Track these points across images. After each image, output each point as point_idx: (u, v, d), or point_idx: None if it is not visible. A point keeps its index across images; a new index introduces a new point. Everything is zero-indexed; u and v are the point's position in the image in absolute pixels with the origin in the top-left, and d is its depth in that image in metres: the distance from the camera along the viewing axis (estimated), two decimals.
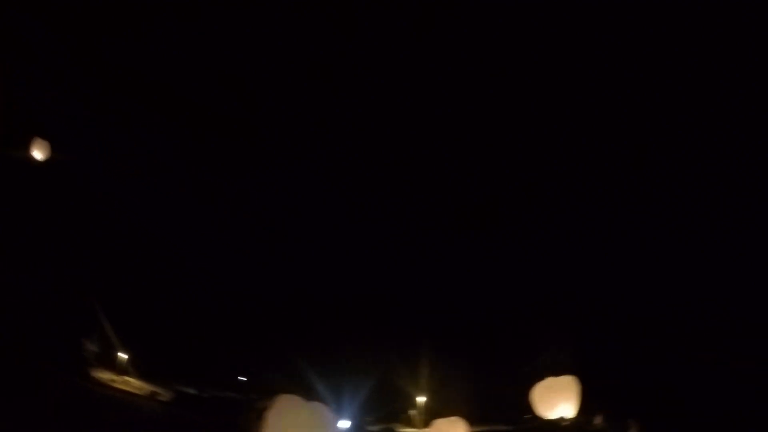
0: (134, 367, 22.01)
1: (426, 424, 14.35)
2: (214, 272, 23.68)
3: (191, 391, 22.44)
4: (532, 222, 24.62)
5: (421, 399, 21.07)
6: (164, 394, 22.33)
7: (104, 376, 21.22)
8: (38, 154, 17.57)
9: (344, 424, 13.75)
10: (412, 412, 21.56)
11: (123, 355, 21.73)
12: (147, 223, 23.56)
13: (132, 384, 22.19)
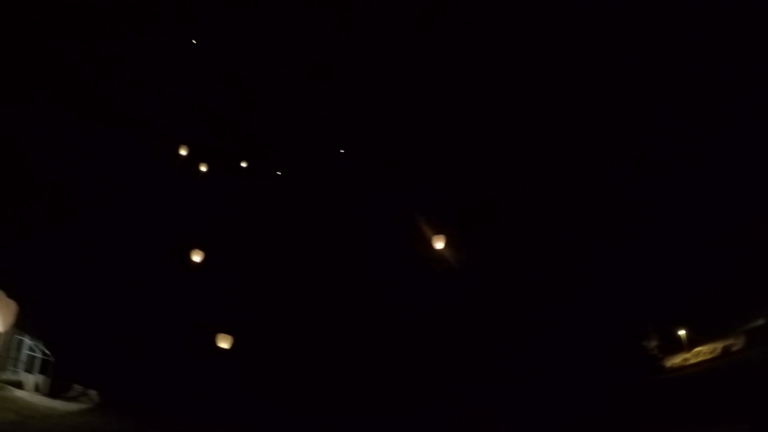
0: (700, 335, 20.86)
1: None
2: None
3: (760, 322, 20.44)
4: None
5: None
6: (737, 342, 20.58)
7: (677, 360, 20.97)
8: None
9: None
10: None
11: (682, 332, 20.86)
12: None
13: (704, 351, 21.04)
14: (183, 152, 30.05)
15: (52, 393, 24.20)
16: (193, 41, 29.21)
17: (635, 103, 30.25)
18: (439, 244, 20.78)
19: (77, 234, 23.22)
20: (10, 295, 6.99)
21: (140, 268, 26.92)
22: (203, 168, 31.21)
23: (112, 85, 28.46)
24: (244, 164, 35.25)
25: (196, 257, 26.82)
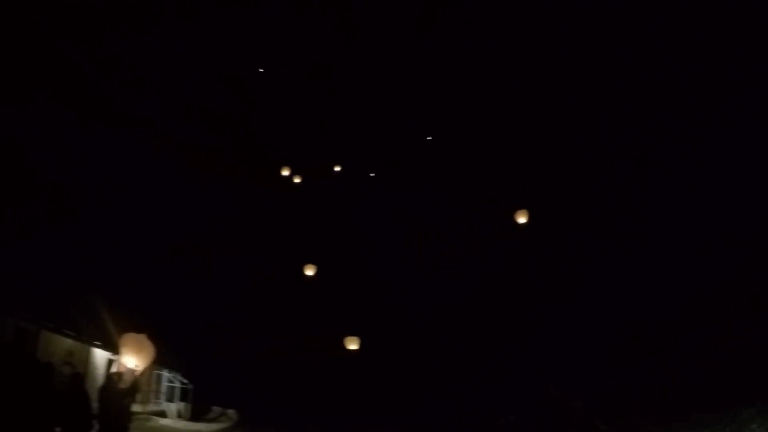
0: None
1: None
2: None
3: None
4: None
5: None
6: None
7: None
8: None
9: None
10: None
11: None
12: None
13: None
14: (285, 173, 30.49)
15: (194, 417, 26.30)
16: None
17: (635, 103, 30.29)
18: (521, 218, 20.80)
19: (77, 234, 23.29)
20: (150, 337, 7.41)
21: (142, 269, 27.00)
22: (297, 180, 31.43)
23: (112, 85, 28.49)
24: (337, 168, 35.50)
25: (309, 271, 27.29)
